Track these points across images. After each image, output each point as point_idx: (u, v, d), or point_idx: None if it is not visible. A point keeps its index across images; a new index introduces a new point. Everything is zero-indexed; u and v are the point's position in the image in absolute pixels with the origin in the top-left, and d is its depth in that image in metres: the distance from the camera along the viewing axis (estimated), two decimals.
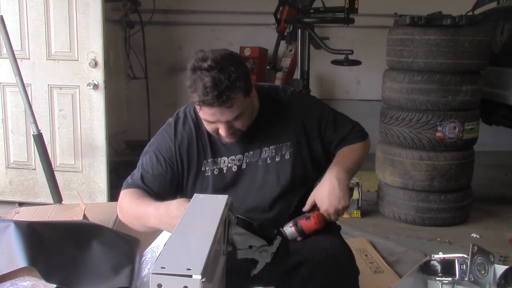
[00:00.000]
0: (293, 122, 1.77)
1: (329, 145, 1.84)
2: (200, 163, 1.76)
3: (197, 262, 0.96)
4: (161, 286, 0.92)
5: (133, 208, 1.68)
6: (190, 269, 0.93)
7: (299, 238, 1.74)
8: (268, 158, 1.76)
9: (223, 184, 1.74)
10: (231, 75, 1.53)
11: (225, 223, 1.32)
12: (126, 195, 1.74)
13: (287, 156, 1.76)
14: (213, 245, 1.06)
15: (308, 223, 1.73)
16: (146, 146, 1.83)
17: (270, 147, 1.76)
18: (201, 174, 1.76)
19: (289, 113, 1.78)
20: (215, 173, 1.76)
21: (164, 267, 0.94)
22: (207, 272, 0.96)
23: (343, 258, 1.69)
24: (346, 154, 1.83)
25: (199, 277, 0.92)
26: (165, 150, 1.76)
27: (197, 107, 1.60)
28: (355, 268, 1.76)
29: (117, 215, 1.94)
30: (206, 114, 1.61)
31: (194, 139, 1.76)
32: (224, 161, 1.76)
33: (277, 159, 1.75)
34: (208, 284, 1.09)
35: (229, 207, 1.37)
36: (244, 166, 1.76)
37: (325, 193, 1.70)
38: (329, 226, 1.81)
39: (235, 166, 1.76)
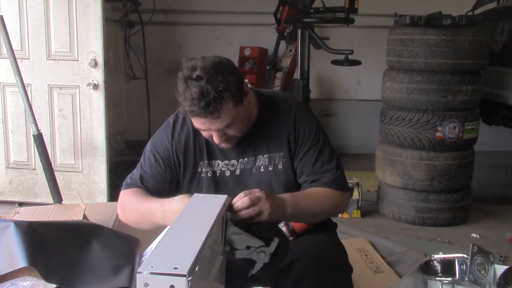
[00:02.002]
0: (287, 133, 1.74)
1: (299, 174, 1.74)
2: (196, 164, 1.76)
3: (185, 261, 0.96)
4: (148, 285, 0.92)
5: (137, 206, 1.68)
6: (177, 268, 0.93)
7: (291, 238, 1.75)
8: (262, 167, 1.74)
9: (215, 188, 1.73)
10: (219, 85, 1.50)
11: (223, 223, 1.32)
12: (127, 195, 1.74)
13: (280, 166, 1.74)
14: (204, 244, 1.06)
15: (298, 223, 1.74)
16: (146, 145, 1.83)
17: (264, 156, 1.74)
18: (197, 175, 1.76)
19: (285, 124, 1.74)
20: (209, 175, 1.75)
21: (152, 266, 0.94)
22: (195, 271, 0.96)
23: (334, 256, 1.69)
24: (309, 195, 1.68)
25: (186, 276, 0.91)
26: (162, 150, 1.76)
27: (189, 116, 1.60)
28: (347, 266, 1.76)
29: (117, 215, 1.94)
30: (197, 123, 1.61)
31: (191, 140, 1.75)
32: (218, 165, 1.76)
33: (270, 168, 1.74)
34: (203, 282, 1.09)
35: (227, 207, 1.37)
36: (238, 172, 1.75)
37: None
38: (322, 225, 1.81)
39: (228, 171, 1.75)
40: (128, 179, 1.79)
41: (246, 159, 1.75)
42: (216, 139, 1.64)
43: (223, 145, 1.69)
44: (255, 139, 1.74)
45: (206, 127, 1.60)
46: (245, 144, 1.73)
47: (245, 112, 1.66)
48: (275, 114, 1.75)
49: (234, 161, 1.75)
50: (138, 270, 0.93)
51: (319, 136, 1.75)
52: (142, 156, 1.80)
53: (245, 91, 1.64)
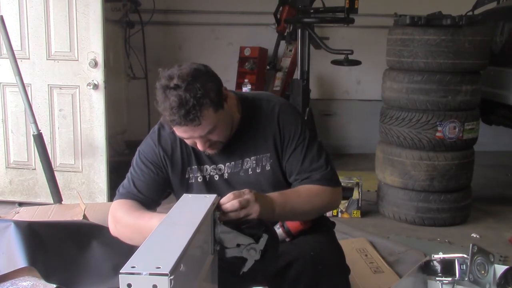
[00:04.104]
0: (272, 134, 1.73)
1: (289, 173, 1.74)
2: (184, 170, 1.75)
3: (168, 260, 0.95)
4: (131, 285, 0.91)
5: (132, 221, 1.64)
6: (160, 268, 0.93)
7: (287, 239, 1.75)
8: (250, 169, 1.74)
9: (207, 192, 1.71)
10: (197, 93, 1.50)
11: (212, 222, 1.32)
12: (120, 207, 1.70)
13: (267, 167, 1.74)
14: (189, 243, 1.05)
15: (294, 224, 1.75)
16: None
17: (251, 158, 1.74)
18: (185, 181, 1.76)
19: (269, 125, 1.74)
20: (199, 180, 1.75)
21: (134, 267, 0.94)
22: (179, 270, 0.96)
23: (331, 257, 1.68)
24: (299, 193, 1.68)
25: (168, 275, 0.91)
26: (150, 155, 1.75)
27: (170, 125, 1.59)
28: (344, 267, 1.76)
29: None
30: (179, 132, 1.60)
31: (178, 146, 1.75)
32: (207, 169, 1.76)
33: (258, 170, 1.74)
34: (191, 281, 1.09)
35: (216, 206, 1.37)
36: (226, 176, 1.75)
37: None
38: (319, 226, 1.80)
39: (217, 175, 1.75)
40: (120, 188, 1.77)
41: (233, 162, 1.74)
42: (200, 146, 1.64)
43: (209, 151, 1.69)
44: (240, 142, 1.74)
45: (189, 135, 1.60)
46: (231, 148, 1.73)
47: (227, 116, 1.65)
48: (258, 115, 1.75)
49: (221, 165, 1.75)
50: (120, 271, 0.92)
51: (305, 133, 1.74)
52: (131, 167, 1.78)
53: (225, 96, 1.64)
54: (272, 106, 1.76)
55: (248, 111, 1.75)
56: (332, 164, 1.76)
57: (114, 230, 1.72)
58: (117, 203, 1.73)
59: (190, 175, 1.76)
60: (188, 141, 1.67)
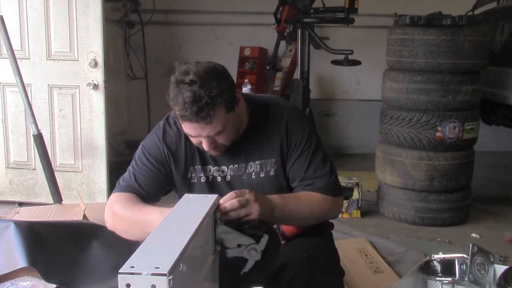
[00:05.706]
0: (279, 139, 1.72)
1: (292, 179, 1.74)
2: (187, 169, 1.74)
3: (167, 261, 0.96)
4: (130, 285, 0.92)
5: (131, 215, 1.63)
6: (159, 268, 0.93)
7: (282, 242, 1.74)
8: (253, 173, 1.73)
9: (207, 193, 1.69)
10: (212, 91, 1.49)
11: (213, 222, 1.32)
12: (119, 200, 1.69)
13: (272, 173, 1.73)
14: (189, 244, 1.05)
15: (289, 227, 1.75)
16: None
17: (256, 162, 1.73)
18: (187, 180, 1.75)
19: (277, 130, 1.72)
20: (202, 180, 1.74)
21: (133, 266, 0.94)
22: (178, 270, 0.96)
23: (325, 259, 1.68)
24: (299, 199, 1.67)
25: (166, 275, 0.91)
26: (154, 151, 1.74)
27: (179, 121, 1.58)
28: (338, 269, 1.76)
29: None
30: (187, 129, 1.59)
31: (182, 144, 1.74)
32: (210, 170, 1.74)
33: (261, 175, 1.73)
34: (192, 281, 1.10)
35: (216, 206, 1.37)
36: (228, 178, 1.74)
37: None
38: (315, 228, 1.79)
39: (219, 177, 1.74)
40: (120, 181, 1.76)
41: (236, 165, 1.73)
42: (205, 146, 1.63)
43: (212, 152, 1.68)
44: (246, 146, 1.73)
45: (197, 133, 1.58)
46: (236, 150, 1.71)
47: (236, 120, 1.64)
48: (266, 120, 1.74)
49: (224, 167, 1.74)
50: (119, 271, 0.93)
51: (312, 140, 1.74)
52: (133, 160, 1.77)
53: (237, 99, 1.63)
54: (280, 112, 1.75)
55: (256, 114, 1.74)
56: (335, 173, 1.76)
57: (110, 223, 1.70)
58: (115, 195, 1.72)
59: (193, 175, 1.75)
60: (194, 140, 1.65)
